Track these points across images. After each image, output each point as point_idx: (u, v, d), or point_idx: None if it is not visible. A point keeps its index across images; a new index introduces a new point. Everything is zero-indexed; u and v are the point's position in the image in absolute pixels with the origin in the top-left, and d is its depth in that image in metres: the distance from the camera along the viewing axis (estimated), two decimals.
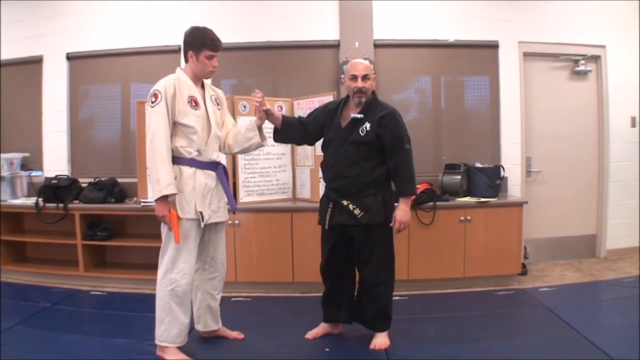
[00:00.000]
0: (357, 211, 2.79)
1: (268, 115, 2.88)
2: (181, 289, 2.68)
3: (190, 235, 2.71)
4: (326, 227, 2.92)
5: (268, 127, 3.04)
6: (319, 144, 3.10)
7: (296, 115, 3.41)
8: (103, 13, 4.77)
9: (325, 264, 2.99)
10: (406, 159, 2.82)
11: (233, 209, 2.99)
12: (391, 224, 2.84)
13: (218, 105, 2.92)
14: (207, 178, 2.76)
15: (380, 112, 2.81)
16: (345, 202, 2.81)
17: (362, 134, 2.80)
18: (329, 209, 2.88)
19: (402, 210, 2.84)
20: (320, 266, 3.03)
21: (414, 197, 3.08)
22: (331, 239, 2.92)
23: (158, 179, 2.57)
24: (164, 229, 2.73)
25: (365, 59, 4.45)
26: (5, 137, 4.94)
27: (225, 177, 2.89)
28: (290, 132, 3.02)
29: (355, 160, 2.80)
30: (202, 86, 2.85)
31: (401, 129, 2.82)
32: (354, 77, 2.82)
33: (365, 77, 2.82)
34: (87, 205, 4.27)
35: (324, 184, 3.03)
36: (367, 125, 2.80)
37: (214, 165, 2.82)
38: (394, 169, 2.82)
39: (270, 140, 3.12)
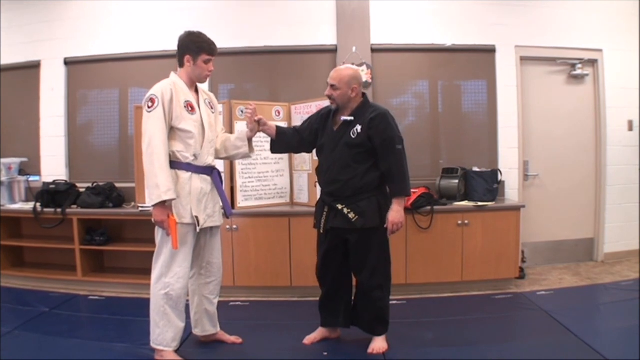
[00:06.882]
0: (351, 215, 2.79)
1: (261, 125, 2.90)
2: (175, 292, 2.69)
3: (186, 240, 2.71)
4: (321, 231, 2.93)
5: (264, 138, 3.04)
6: None
7: (294, 121, 3.41)
8: (101, 18, 4.78)
9: (320, 268, 3.00)
10: (398, 159, 2.80)
11: (228, 214, 2.98)
12: (385, 226, 2.83)
13: (212, 109, 2.92)
14: (202, 183, 2.77)
15: (370, 114, 2.81)
16: (340, 206, 2.81)
17: (353, 137, 2.80)
18: (324, 213, 2.89)
19: (394, 211, 2.81)
20: (315, 270, 3.04)
21: (408, 198, 3.06)
22: (326, 243, 2.93)
23: (157, 184, 2.56)
24: (157, 233, 2.73)
25: (363, 63, 4.49)
26: (3, 142, 4.94)
27: (220, 181, 2.90)
28: (286, 140, 3.04)
29: (348, 163, 2.79)
30: (196, 90, 2.86)
31: (392, 129, 2.80)
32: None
33: (332, 87, 2.83)
34: (85, 210, 4.27)
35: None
36: (358, 127, 2.80)
37: (209, 170, 2.83)
38: (387, 170, 2.80)
39: (266, 145, 3.13)
